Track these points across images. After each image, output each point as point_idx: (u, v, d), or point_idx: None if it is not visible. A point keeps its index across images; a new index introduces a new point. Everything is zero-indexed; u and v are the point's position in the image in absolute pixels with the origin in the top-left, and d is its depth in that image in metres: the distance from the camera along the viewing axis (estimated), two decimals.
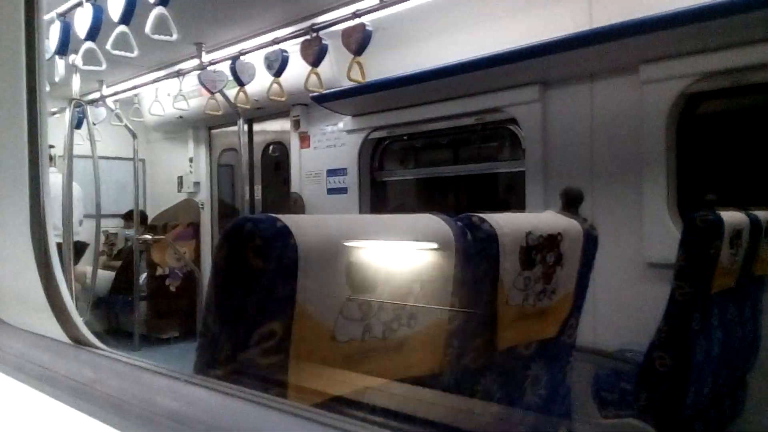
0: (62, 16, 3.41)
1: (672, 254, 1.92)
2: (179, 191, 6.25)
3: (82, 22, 3.18)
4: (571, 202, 1.29)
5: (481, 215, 1.05)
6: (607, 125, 2.98)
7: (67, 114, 4.25)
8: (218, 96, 4.25)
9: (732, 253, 1.96)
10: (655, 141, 2.77)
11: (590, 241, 1.26)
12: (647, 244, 2.80)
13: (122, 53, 3.10)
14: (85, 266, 5.32)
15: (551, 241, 1.14)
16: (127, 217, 6.08)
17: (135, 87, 5.14)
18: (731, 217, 1.95)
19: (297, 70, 3.63)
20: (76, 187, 4.54)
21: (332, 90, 3.93)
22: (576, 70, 3.05)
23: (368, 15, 3.18)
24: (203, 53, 4.32)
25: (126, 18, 2.90)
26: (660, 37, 2.57)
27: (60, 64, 3.73)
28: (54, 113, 5.29)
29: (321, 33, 3.42)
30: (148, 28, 2.85)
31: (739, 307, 2.20)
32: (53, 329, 0.92)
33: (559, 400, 1.29)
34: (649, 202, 2.80)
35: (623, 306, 2.86)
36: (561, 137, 3.16)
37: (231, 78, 4.02)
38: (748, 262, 2.14)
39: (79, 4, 3.21)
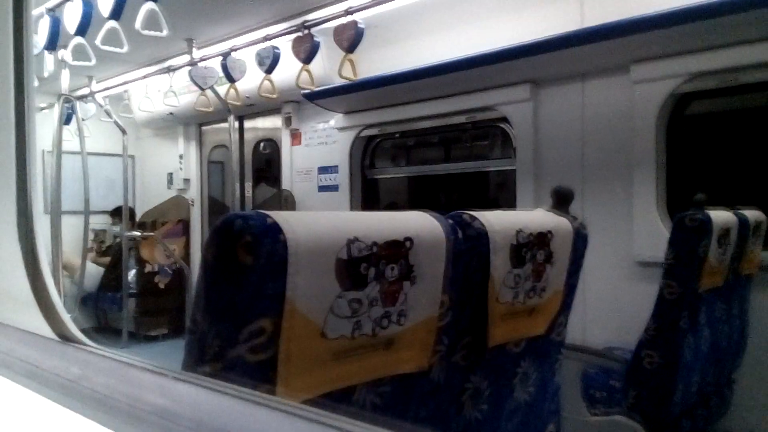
0: (51, 10, 3.38)
1: (661, 253, 1.94)
2: (169, 188, 6.22)
3: (71, 17, 3.16)
4: (561, 201, 1.29)
5: (471, 213, 1.05)
6: (597, 124, 2.99)
7: (56, 109, 4.22)
8: (209, 92, 4.23)
9: (720, 252, 1.97)
10: (645, 140, 2.78)
11: (580, 240, 1.27)
12: (636, 243, 2.82)
13: (112, 49, 3.09)
14: (74, 257, 5.29)
15: (541, 239, 1.14)
16: (114, 213, 6.04)
17: (125, 83, 5.11)
18: (719, 216, 1.96)
19: (289, 67, 3.62)
20: None
21: (324, 87, 3.92)
22: (567, 69, 3.06)
23: (360, 12, 3.17)
24: (194, 49, 4.30)
25: (116, 13, 2.89)
26: (651, 37, 2.59)
27: (49, 59, 3.71)
28: (42, 109, 5.25)
29: (313, 30, 3.42)
30: (138, 24, 2.84)
31: (726, 306, 2.22)
32: (40, 325, 0.91)
33: (548, 397, 1.30)
34: (638, 201, 2.82)
35: (612, 304, 2.87)
36: (552, 136, 3.17)
37: (222, 74, 4.01)
38: (736, 261, 2.16)
39: None
